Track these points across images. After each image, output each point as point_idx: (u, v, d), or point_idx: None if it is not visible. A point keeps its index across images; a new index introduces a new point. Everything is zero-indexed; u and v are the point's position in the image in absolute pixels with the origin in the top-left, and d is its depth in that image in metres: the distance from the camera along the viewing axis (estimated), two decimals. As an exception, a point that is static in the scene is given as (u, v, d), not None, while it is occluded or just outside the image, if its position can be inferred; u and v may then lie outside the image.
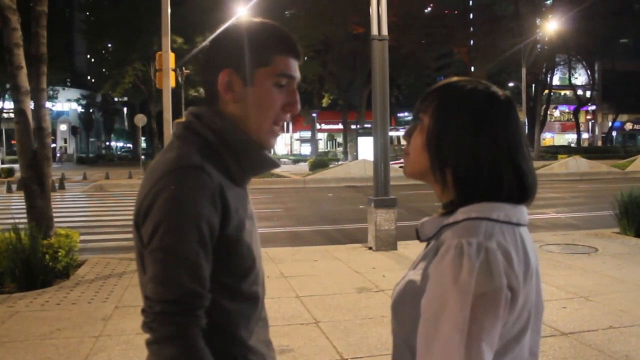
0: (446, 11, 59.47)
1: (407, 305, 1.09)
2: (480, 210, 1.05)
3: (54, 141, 58.32)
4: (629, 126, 69.42)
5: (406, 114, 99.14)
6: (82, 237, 8.19)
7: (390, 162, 9.00)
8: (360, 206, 12.49)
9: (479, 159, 1.06)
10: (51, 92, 60.99)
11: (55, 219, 7.39)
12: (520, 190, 1.07)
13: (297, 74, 1.30)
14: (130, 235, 9.84)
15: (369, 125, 33.05)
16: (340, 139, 56.63)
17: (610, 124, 65.50)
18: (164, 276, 1.12)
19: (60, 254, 6.56)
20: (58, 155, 56.16)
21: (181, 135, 1.27)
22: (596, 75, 61.39)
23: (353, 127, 44.94)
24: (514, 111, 1.11)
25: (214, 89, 1.28)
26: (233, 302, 1.24)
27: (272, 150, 1.43)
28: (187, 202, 1.13)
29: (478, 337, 0.94)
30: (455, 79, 1.14)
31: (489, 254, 0.98)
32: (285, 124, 1.34)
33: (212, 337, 1.16)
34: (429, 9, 52.80)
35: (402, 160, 1.23)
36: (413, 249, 8.16)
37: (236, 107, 1.27)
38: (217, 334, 1.19)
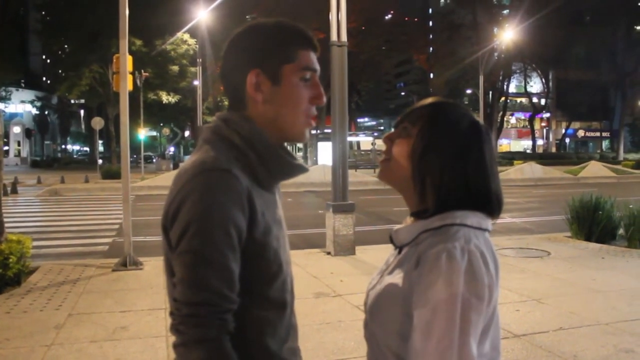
0: (406, 18, 60.24)
1: (388, 307, 1.16)
2: (457, 217, 1.14)
3: (7, 144, 56.68)
4: (581, 133, 71.61)
5: (366, 119, 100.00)
6: (36, 243, 7.99)
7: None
8: (320, 211, 12.51)
9: (460, 176, 1.16)
10: (4, 93, 59.44)
11: (6, 225, 7.20)
12: (490, 204, 1.19)
13: (318, 66, 1.30)
14: (86, 241, 9.64)
15: (329, 131, 33.18)
16: (300, 144, 56.69)
17: (563, 131, 67.40)
18: (192, 279, 1.11)
19: (11, 260, 6.37)
20: None
21: (208, 139, 1.25)
22: (550, 84, 63.07)
23: (313, 132, 45.02)
24: (490, 138, 1.22)
25: (241, 92, 1.26)
26: (260, 309, 1.22)
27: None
28: (216, 205, 1.12)
29: (468, 332, 1.04)
30: (443, 100, 1.25)
31: (471, 256, 1.08)
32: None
33: (238, 344, 1.14)
34: (389, 15, 53.38)
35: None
36: (371, 254, 8.22)
37: (266, 108, 1.25)
38: (243, 341, 1.18)
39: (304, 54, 1.27)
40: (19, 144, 64.19)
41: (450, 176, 1.15)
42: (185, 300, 1.11)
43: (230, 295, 1.13)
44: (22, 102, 68.22)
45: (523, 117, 70.82)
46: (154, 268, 7.47)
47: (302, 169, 1.32)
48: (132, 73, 9.13)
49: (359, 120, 71.43)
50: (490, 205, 1.18)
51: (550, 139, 70.03)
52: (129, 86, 8.19)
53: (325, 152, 34.99)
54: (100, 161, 38.04)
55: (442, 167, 1.16)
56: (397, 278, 1.16)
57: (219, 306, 1.11)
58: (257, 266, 1.20)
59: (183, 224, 1.13)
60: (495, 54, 45.60)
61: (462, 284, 1.05)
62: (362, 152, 43.15)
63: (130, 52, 8.93)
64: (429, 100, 1.25)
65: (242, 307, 1.16)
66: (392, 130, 1.29)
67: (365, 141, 45.04)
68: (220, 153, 1.20)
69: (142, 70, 30.30)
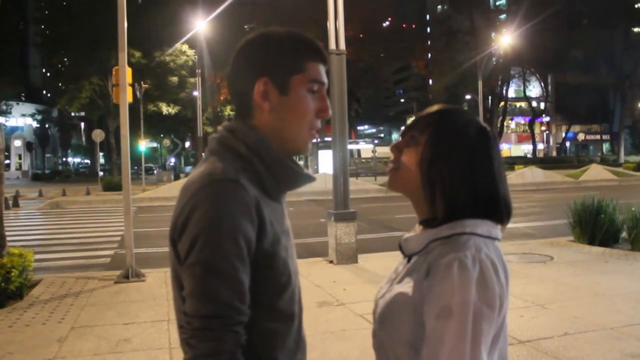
0: (404, 25, 60.47)
1: (397, 316, 1.15)
2: (467, 226, 1.13)
3: (8, 157, 56.76)
4: (581, 136, 71.62)
5: (366, 126, 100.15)
6: (37, 256, 7.98)
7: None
8: (321, 220, 12.50)
9: (469, 182, 1.16)
10: (4, 107, 59.60)
11: (8, 238, 7.18)
12: (499, 211, 1.18)
13: (326, 80, 1.30)
14: (88, 253, 9.61)
15: (329, 139, 33.09)
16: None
17: (563, 134, 67.41)
18: (202, 291, 1.10)
19: (13, 274, 6.36)
20: None
21: (215, 150, 1.25)
22: (549, 88, 63.13)
23: (313, 140, 44.93)
24: (497, 144, 1.23)
25: (248, 101, 1.25)
26: (269, 321, 1.21)
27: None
28: (224, 215, 1.11)
29: (479, 341, 1.03)
30: (450, 107, 1.25)
31: (482, 265, 1.07)
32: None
33: (247, 357, 1.13)
34: (387, 23, 53.57)
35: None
36: (374, 262, 8.19)
37: (272, 117, 1.24)
38: (252, 354, 1.16)
39: (313, 65, 1.27)
40: (20, 158, 64.12)
41: (459, 183, 1.15)
42: (196, 313, 1.10)
43: (241, 307, 1.11)
44: (23, 115, 68.39)
45: (523, 122, 70.84)
46: (156, 280, 7.46)
47: (309, 179, 1.32)
48: (132, 85, 9.16)
49: (358, 128, 71.53)
50: (499, 211, 1.18)
51: (551, 142, 70.03)
52: (129, 98, 8.21)
53: (326, 161, 34.96)
54: (101, 173, 38.00)
55: (451, 174, 1.16)
56: (406, 287, 1.15)
57: (231, 319, 1.10)
58: (266, 277, 1.19)
59: (192, 236, 1.12)
60: (494, 58, 45.69)
61: (474, 293, 1.04)
62: (363, 160, 43.13)
63: (130, 64, 8.95)
64: (435, 107, 1.25)
65: (251, 319, 1.15)
66: (400, 139, 1.29)
67: (365, 149, 45.05)
68: (227, 163, 1.19)
69: (142, 82, 30.38)
